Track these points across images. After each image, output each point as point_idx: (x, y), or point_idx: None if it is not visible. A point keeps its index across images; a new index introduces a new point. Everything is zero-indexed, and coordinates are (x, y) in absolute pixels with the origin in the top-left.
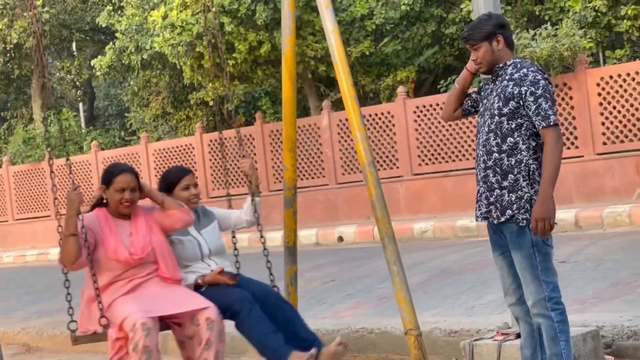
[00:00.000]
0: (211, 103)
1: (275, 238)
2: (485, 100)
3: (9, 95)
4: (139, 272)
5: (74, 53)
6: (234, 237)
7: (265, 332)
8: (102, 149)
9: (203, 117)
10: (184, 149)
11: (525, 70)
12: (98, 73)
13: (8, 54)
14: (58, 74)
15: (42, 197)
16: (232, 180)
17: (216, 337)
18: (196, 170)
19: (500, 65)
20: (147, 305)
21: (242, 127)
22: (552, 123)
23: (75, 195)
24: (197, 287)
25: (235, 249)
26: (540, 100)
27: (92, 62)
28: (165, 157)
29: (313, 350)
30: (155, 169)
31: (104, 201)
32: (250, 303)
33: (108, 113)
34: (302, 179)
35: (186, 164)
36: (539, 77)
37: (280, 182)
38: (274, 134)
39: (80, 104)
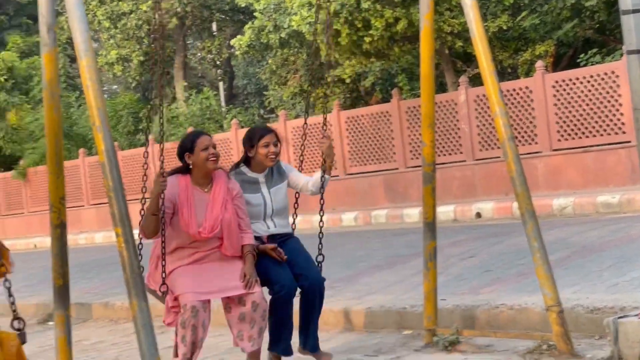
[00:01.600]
0: (348, 80)
1: (412, 214)
2: None
3: (153, 76)
4: (204, 246)
5: (214, 33)
6: (321, 220)
7: (282, 324)
8: (242, 127)
9: (340, 94)
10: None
11: None
12: (237, 52)
13: (151, 35)
14: (199, 54)
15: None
16: (369, 157)
17: (260, 317)
18: (333, 147)
19: None
20: (202, 286)
21: (378, 104)
22: None
23: (160, 181)
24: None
25: (321, 232)
26: None
27: (232, 42)
28: (320, 141)
29: None
30: (293, 146)
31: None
32: (288, 292)
33: (247, 91)
34: (438, 156)
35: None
36: None
37: (417, 158)
38: (411, 110)
39: (220, 83)
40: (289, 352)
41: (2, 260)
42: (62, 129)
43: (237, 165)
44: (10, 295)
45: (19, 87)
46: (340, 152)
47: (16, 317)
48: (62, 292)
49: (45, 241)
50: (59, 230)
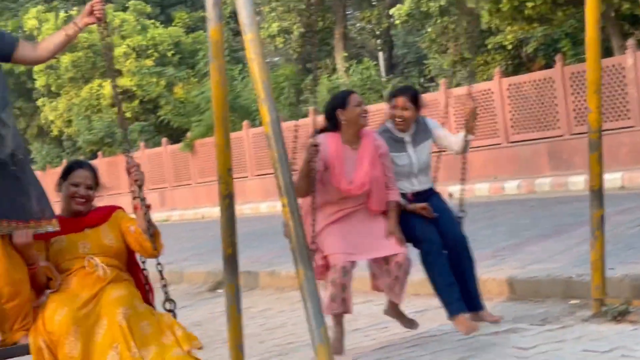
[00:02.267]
0: (509, 47)
1: (577, 182)
2: None
3: (313, 47)
4: (351, 202)
5: (374, 3)
6: (462, 179)
7: (444, 283)
8: None
9: (501, 61)
10: (483, 94)
11: None
12: (397, 21)
13: (312, 7)
14: (358, 25)
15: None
16: (532, 124)
17: (403, 275)
18: (495, 115)
19: None
20: (351, 247)
21: (541, 71)
22: None
23: (313, 150)
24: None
25: (462, 209)
26: None
27: (391, 11)
28: (464, 103)
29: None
30: (454, 115)
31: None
32: (437, 248)
33: (406, 61)
34: (604, 122)
35: (485, 109)
36: None
37: (581, 125)
38: (575, 76)
39: (380, 53)
40: (464, 308)
41: (155, 242)
42: (228, 102)
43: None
44: (162, 277)
45: (185, 61)
46: (502, 120)
47: (168, 299)
48: (231, 261)
49: (212, 211)
50: (227, 200)
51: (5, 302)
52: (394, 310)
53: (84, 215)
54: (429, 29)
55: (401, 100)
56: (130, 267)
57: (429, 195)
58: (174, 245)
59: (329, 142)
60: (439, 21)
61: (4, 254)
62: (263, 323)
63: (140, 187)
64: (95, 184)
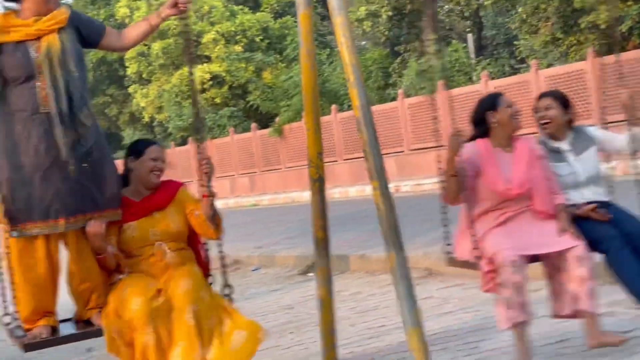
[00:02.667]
0: (603, 26)
1: None
2: None
3: (401, 30)
4: (513, 205)
5: None
6: (608, 164)
7: (633, 274)
8: (492, 79)
9: (595, 41)
10: (576, 75)
11: None
12: (486, 2)
13: None
14: (447, 7)
15: (435, 128)
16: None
17: (588, 274)
18: (589, 96)
19: None
20: (518, 242)
21: (637, 50)
22: None
23: (455, 141)
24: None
25: (609, 182)
26: None
27: None
28: (556, 83)
29: None
30: None
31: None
32: (618, 242)
33: (496, 42)
34: None
35: (578, 89)
36: None
37: None
38: None
39: (469, 35)
40: None
41: (217, 228)
42: (317, 86)
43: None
44: (223, 265)
45: (273, 46)
46: (596, 102)
47: (226, 285)
48: (322, 244)
49: (302, 195)
50: (318, 184)
51: (77, 285)
52: (593, 330)
53: (152, 195)
54: (520, 10)
55: (544, 101)
56: (191, 239)
57: (606, 207)
58: (264, 230)
59: (479, 147)
60: (529, 1)
61: (75, 242)
62: (354, 306)
63: (209, 177)
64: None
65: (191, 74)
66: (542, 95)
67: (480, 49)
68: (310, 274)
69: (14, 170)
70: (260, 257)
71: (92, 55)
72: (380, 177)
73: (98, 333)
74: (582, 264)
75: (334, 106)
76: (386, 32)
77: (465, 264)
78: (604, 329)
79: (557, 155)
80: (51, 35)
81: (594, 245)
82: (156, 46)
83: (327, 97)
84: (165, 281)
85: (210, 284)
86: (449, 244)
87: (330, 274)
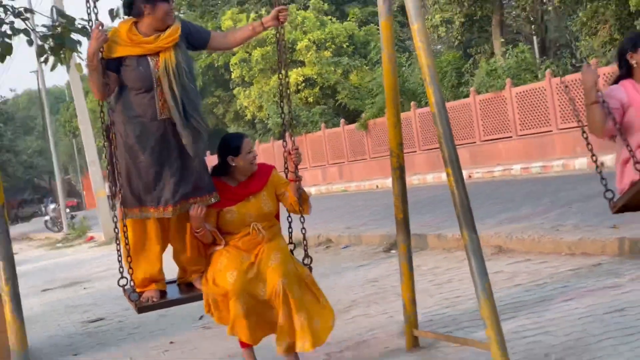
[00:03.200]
0: None
1: None
2: None
3: (472, 34)
4: None
5: None
6: None
7: None
8: (555, 76)
9: None
10: None
11: None
12: (550, 8)
13: None
14: (514, 12)
15: (504, 121)
16: None
17: None
18: None
19: None
20: None
21: None
22: None
23: (589, 72)
24: None
25: None
26: None
27: None
28: None
29: None
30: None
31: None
32: None
33: (559, 43)
34: None
35: None
36: None
37: None
38: None
39: (534, 37)
40: None
41: (304, 206)
42: (397, 86)
43: None
44: (304, 239)
45: (358, 51)
46: None
47: (306, 256)
48: (403, 224)
49: (385, 182)
50: (399, 172)
51: (179, 255)
52: None
53: (248, 181)
54: (580, 14)
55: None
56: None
57: None
58: (352, 212)
59: (625, 85)
60: (589, 6)
61: (176, 222)
62: (432, 279)
63: (296, 165)
64: None
65: (286, 76)
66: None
67: (544, 50)
68: (393, 251)
69: (133, 167)
70: (349, 236)
71: (201, 62)
72: (453, 165)
73: (199, 297)
74: None
75: (413, 103)
76: (459, 37)
77: (631, 190)
78: None
79: None
80: (167, 52)
81: None
82: (256, 53)
83: (407, 95)
84: (256, 254)
85: (292, 251)
86: (608, 190)
87: (411, 250)
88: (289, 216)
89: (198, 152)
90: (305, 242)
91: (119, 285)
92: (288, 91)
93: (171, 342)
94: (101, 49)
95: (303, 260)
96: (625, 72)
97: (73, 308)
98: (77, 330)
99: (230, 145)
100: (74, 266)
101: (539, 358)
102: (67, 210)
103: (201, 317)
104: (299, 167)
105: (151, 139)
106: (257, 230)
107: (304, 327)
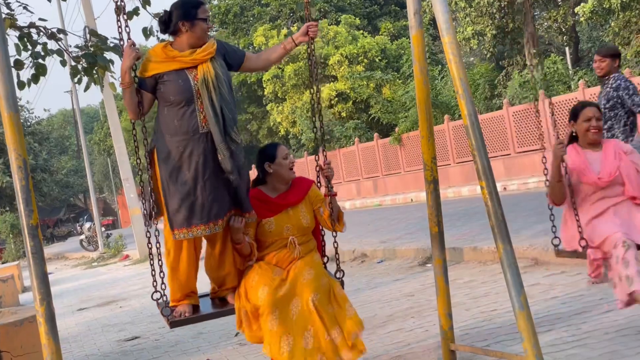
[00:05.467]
0: None
1: None
2: None
3: (504, 46)
4: (608, 193)
5: (559, 3)
6: None
7: None
8: (588, 87)
9: None
10: None
11: None
12: (581, 19)
13: (502, 10)
14: (546, 24)
15: (536, 133)
16: None
17: (633, 257)
18: None
19: None
20: (624, 228)
21: None
22: None
23: (559, 149)
24: None
25: None
26: None
27: (576, 10)
28: None
29: None
30: None
31: (574, 134)
32: None
33: (591, 54)
34: None
35: None
36: None
37: None
38: None
39: (566, 48)
40: None
41: (339, 222)
42: (430, 99)
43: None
44: (336, 252)
45: (391, 65)
46: None
47: (338, 269)
48: (438, 238)
49: (420, 195)
50: (432, 185)
51: (216, 270)
52: None
53: (287, 192)
54: (612, 24)
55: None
56: (314, 229)
57: None
58: (387, 226)
59: (571, 152)
60: (621, 16)
61: (217, 235)
62: (468, 292)
63: (329, 180)
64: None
65: (318, 91)
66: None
67: (577, 60)
68: (429, 265)
69: (180, 185)
70: (384, 250)
71: (234, 79)
72: (487, 177)
73: (231, 312)
74: (627, 247)
75: (446, 116)
76: (491, 49)
77: (573, 254)
78: None
79: None
80: (205, 65)
81: None
82: (288, 69)
83: (440, 108)
84: (289, 270)
85: (324, 264)
86: (556, 237)
87: (446, 264)
88: (322, 229)
89: (235, 166)
90: (337, 255)
91: (153, 299)
92: (319, 106)
93: None
94: (134, 67)
95: (335, 273)
96: (572, 139)
97: (109, 327)
98: (114, 349)
99: (266, 152)
100: (110, 285)
101: None
102: (103, 229)
103: (237, 334)
104: (333, 182)
105: (195, 154)
106: (293, 245)
107: (340, 340)
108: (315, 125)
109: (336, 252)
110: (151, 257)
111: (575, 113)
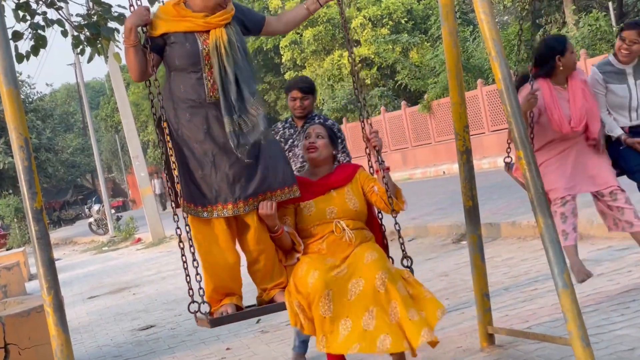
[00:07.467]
0: None
1: None
2: None
3: (541, 3)
4: (572, 137)
5: None
6: None
7: None
8: None
9: None
10: None
11: None
12: None
13: None
14: None
15: None
16: None
17: (624, 202)
18: None
19: None
20: (570, 182)
21: None
22: None
23: (530, 99)
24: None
25: None
26: None
27: None
28: None
29: None
30: None
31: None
32: None
33: (637, 8)
34: None
35: None
36: None
37: None
38: None
39: (610, 3)
40: None
41: (397, 200)
42: (461, 62)
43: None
44: (399, 236)
45: (418, 27)
46: None
47: (405, 256)
48: (472, 213)
49: (452, 167)
50: (465, 156)
51: (252, 264)
52: None
53: (330, 174)
54: None
55: (630, 34)
56: (369, 221)
57: None
58: (417, 202)
59: (542, 88)
60: None
61: (250, 222)
62: (507, 271)
63: (378, 151)
64: (327, 135)
65: (352, 54)
66: (627, 28)
67: (621, 16)
68: (463, 242)
69: (191, 159)
70: (415, 227)
71: (249, 46)
72: (525, 145)
73: (276, 308)
74: (615, 198)
75: (479, 80)
76: (527, 6)
77: (523, 184)
78: None
79: (620, 76)
80: (218, 30)
81: (630, 173)
82: (307, 34)
83: (473, 72)
84: (345, 257)
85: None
86: (508, 156)
87: (482, 241)
88: (379, 212)
89: (246, 142)
90: (401, 239)
91: (190, 312)
92: (358, 72)
93: (227, 349)
94: (144, 30)
95: (402, 261)
96: (546, 72)
97: (122, 315)
98: (127, 339)
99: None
100: (122, 270)
101: (626, 353)
102: (113, 211)
103: (258, 321)
104: (354, 155)
105: (203, 125)
106: (340, 228)
107: (415, 322)
108: (356, 94)
109: (399, 237)
110: (184, 259)
111: (564, 47)
